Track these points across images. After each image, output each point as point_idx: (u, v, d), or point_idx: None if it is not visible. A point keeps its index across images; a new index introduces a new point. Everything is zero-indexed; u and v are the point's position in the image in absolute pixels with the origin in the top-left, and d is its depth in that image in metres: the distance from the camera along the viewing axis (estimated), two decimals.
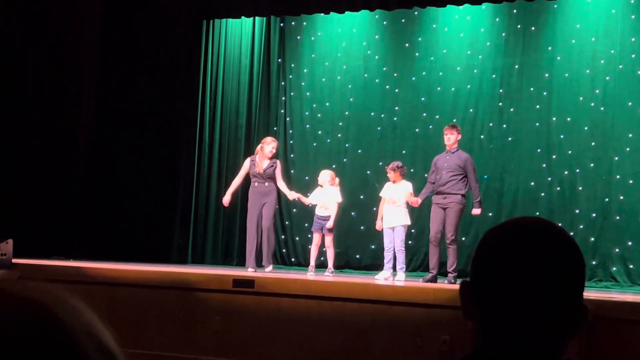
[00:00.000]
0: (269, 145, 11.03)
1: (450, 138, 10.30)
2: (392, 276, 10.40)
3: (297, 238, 13.22)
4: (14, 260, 9.74)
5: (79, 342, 0.77)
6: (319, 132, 13.47)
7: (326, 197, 10.87)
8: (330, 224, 10.80)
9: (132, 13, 12.93)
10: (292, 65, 13.79)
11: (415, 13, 12.78)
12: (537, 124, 12.15)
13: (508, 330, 1.48)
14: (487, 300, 1.50)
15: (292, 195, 11.10)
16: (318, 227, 10.97)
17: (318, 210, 10.97)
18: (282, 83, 13.83)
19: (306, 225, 12.61)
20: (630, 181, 11.54)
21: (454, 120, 11.92)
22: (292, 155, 13.45)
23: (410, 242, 12.37)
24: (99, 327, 0.81)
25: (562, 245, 1.50)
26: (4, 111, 11.78)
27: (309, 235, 12.26)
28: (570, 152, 11.93)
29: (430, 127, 12.61)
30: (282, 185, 11.04)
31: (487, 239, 1.55)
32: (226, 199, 11.29)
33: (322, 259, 11.32)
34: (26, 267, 9.71)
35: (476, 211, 10.39)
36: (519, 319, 1.47)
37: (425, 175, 11.65)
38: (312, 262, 10.95)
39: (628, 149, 11.59)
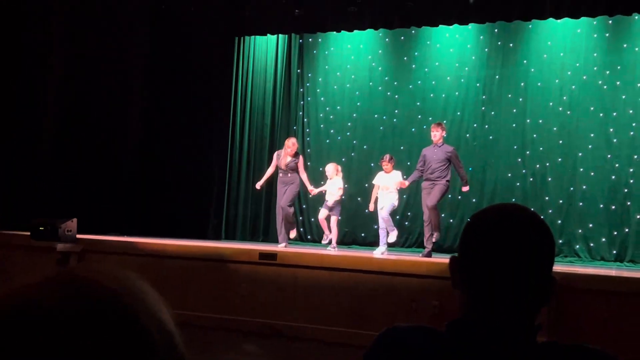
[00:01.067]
0: (288, 148, 11.06)
1: (436, 135, 10.27)
2: (387, 251, 10.44)
3: (312, 219, 13.23)
4: (78, 236, 9.80)
5: (143, 324, 0.76)
6: (331, 131, 13.47)
7: (333, 187, 10.94)
8: (336, 196, 10.86)
9: (177, 30, 12.94)
10: (309, 75, 13.78)
11: (413, 32, 12.76)
12: (514, 125, 12.12)
13: (490, 298, 1.48)
14: (472, 273, 1.50)
15: (313, 191, 11.16)
16: (325, 207, 11.06)
17: (327, 196, 11.03)
18: (301, 90, 13.82)
19: (320, 208, 12.62)
20: (592, 173, 11.51)
21: (444, 122, 11.89)
22: (308, 150, 13.45)
23: (407, 223, 12.40)
24: (159, 308, 0.80)
25: (536, 227, 1.51)
26: (72, 111, 11.82)
27: (320, 209, 12.26)
28: (541, 148, 11.89)
29: (424, 127, 12.53)
30: (304, 177, 11.07)
31: (473, 222, 1.56)
32: (259, 183, 11.35)
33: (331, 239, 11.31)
34: (88, 241, 9.76)
35: (465, 188, 10.39)
36: (499, 289, 1.47)
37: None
38: (327, 231, 11.05)
39: (590, 146, 11.56)
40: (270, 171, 11.24)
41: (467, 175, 10.58)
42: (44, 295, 0.74)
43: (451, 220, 11.97)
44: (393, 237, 10.56)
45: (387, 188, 10.57)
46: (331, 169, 11.02)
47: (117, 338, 0.74)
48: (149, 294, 0.80)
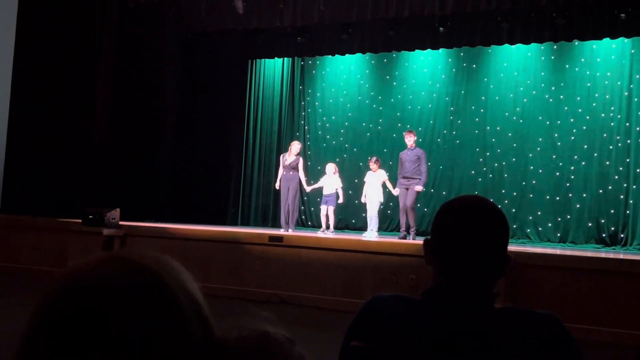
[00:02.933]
0: (293, 148, 11.00)
1: (410, 140, 10.26)
2: (377, 234, 10.40)
3: (312, 208, 13.25)
4: (120, 223, 9.79)
5: (177, 297, 0.77)
6: (327, 136, 13.47)
7: (331, 182, 10.89)
8: (340, 199, 10.77)
9: (202, 54, 12.94)
10: (309, 90, 13.78)
11: (394, 55, 12.75)
12: (477, 131, 12.13)
13: (456, 272, 1.48)
14: (442, 252, 1.50)
15: (307, 188, 11.12)
16: (324, 202, 10.98)
17: (324, 190, 10.99)
18: (302, 103, 13.82)
19: (318, 199, 12.62)
20: (540, 171, 11.53)
21: (420, 129, 11.97)
22: (309, 152, 13.45)
23: (389, 211, 12.41)
24: (189, 281, 0.81)
25: (493, 214, 1.50)
26: (118, 120, 11.82)
27: (320, 207, 12.22)
28: (499, 150, 11.91)
29: (404, 133, 12.57)
30: (302, 175, 11.00)
31: (442, 209, 1.56)
32: (277, 184, 11.18)
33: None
34: (129, 227, 9.76)
35: (418, 187, 10.03)
36: (463, 264, 1.47)
37: None
38: (324, 225, 10.95)
39: (539, 149, 11.58)
40: (280, 172, 11.16)
41: (427, 179, 10.33)
42: (99, 273, 0.76)
43: (425, 209, 11.99)
44: (373, 235, 10.40)
45: (372, 184, 10.55)
46: (331, 167, 10.95)
47: (155, 307, 0.75)
48: (180, 272, 0.82)
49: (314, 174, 12.13)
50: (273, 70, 13.73)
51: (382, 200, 10.64)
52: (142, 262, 0.79)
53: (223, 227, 11.24)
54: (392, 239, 9.80)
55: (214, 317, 0.82)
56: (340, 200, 10.79)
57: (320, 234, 10.61)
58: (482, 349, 1.39)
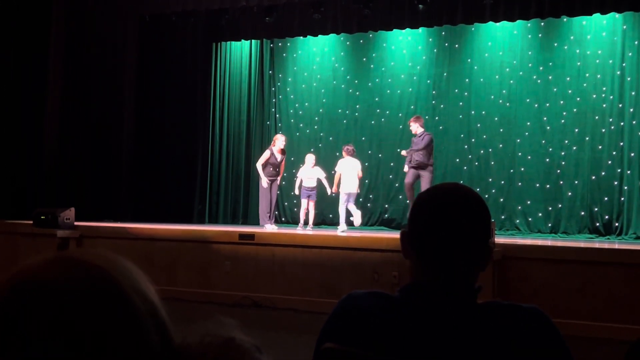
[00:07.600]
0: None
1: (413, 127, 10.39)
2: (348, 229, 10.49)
3: (285, 203, 13.24)
4: (76, 223, 9.70)
5: (128, 295, 0.78)
6: (301, 125, 13.46)
7: (312, 174, 10.99)
8: (329, 190, 10.97)
9: (162, 38, 12.82)
10: (280, 75, 13.74)
11: (370, 35, 12.77)
12: (461, 116, 12.20)
13: (434, 265, 1.49)
14: (419, 244, 1.51)
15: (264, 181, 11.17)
16: (305, 196, 11.05)
17: (306, 183, 11.04)
18: (273, 89, 13.79)
19: (292, 193, 12.63)
20: (529, 157, 11.65)
21: (400, 115, 12.03)
22: None
23: (369, 204, 12.44)
24: (143, 283, 0.82)
25: (473, 202, 1.51)
26: (72, 114, 11.69)
27: (295, 201, 12.28)
28: (485, 136, 12.00)
29: (382, 120, 12.64)
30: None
31: (420, 199, 1.56)
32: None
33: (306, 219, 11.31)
34: (85, 228, 9.67)
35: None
36: (443, 257, 1.48)
37: (379, 155, 11.74)
38: (302, 221, 11.03)
39: (527, 133, 11.69)
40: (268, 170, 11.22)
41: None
42: (44, 273, 0.77)
43: (408, 201, 12.03)
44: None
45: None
46: (310, 159, 11.19)
47: (107, 309, 0.76)
48: (132, 271, 0.83)
49: (287, 166, 12.09)
50: (240, 53, 13.66)
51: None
52: (92, 262, 0.79)
53: (189, 225, 11.19)
54: (372, 233, 9.85)
55: (174, 322, 0.83)
56: (332, 191, 10.94)
57: (299, 229, 10.65)
58: (464, 347, 1.40)
